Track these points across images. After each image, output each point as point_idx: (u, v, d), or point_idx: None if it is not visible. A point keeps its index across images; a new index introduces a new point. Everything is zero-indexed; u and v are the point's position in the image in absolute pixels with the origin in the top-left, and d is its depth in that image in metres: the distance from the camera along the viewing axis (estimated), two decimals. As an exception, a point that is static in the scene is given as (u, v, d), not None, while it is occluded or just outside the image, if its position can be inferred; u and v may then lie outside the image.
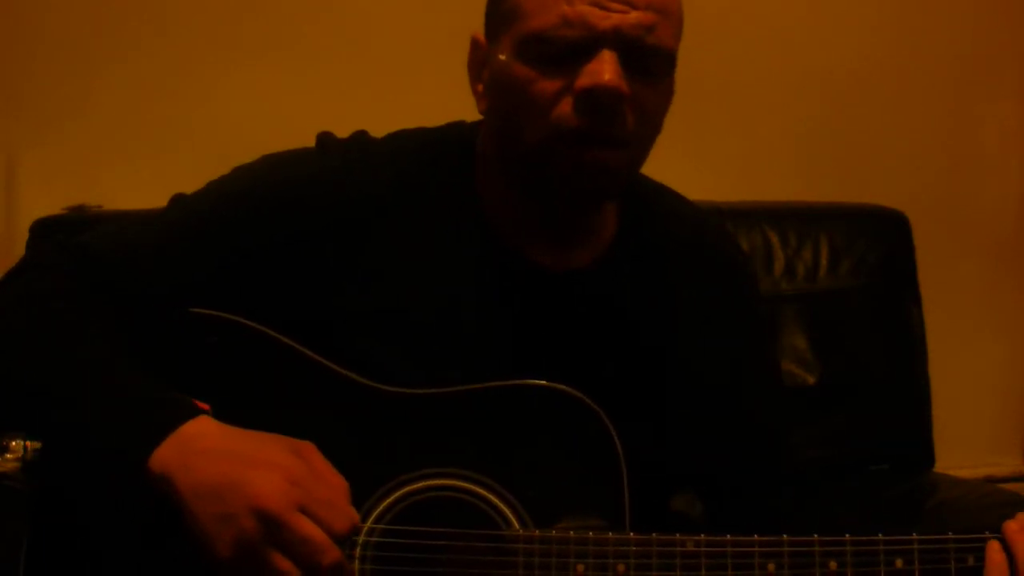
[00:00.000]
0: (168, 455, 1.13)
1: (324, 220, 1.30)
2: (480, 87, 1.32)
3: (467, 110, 1.42)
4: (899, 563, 1.25)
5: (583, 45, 1.19)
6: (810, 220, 2.34)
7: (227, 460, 1.13)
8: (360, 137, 1.37)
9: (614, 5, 1.18)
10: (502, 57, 1.24)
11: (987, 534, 1.27)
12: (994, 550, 1.25)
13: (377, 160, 1.34)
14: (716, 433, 1.40)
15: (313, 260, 1.30)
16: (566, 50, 1.19)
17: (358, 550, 1.22)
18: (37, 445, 1.96)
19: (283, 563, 1.11)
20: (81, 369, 1.20)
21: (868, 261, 2.31)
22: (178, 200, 1.36)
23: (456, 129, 1.39)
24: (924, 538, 1.26)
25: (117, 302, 1.27)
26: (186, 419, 1.15)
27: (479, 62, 1.31)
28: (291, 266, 1.29)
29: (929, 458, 2.29)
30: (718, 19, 2.50)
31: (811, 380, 2.25)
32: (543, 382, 1.26)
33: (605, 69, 1.18)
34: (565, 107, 1.20)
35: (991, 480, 2.69)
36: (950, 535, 1.26)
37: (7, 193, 2.32)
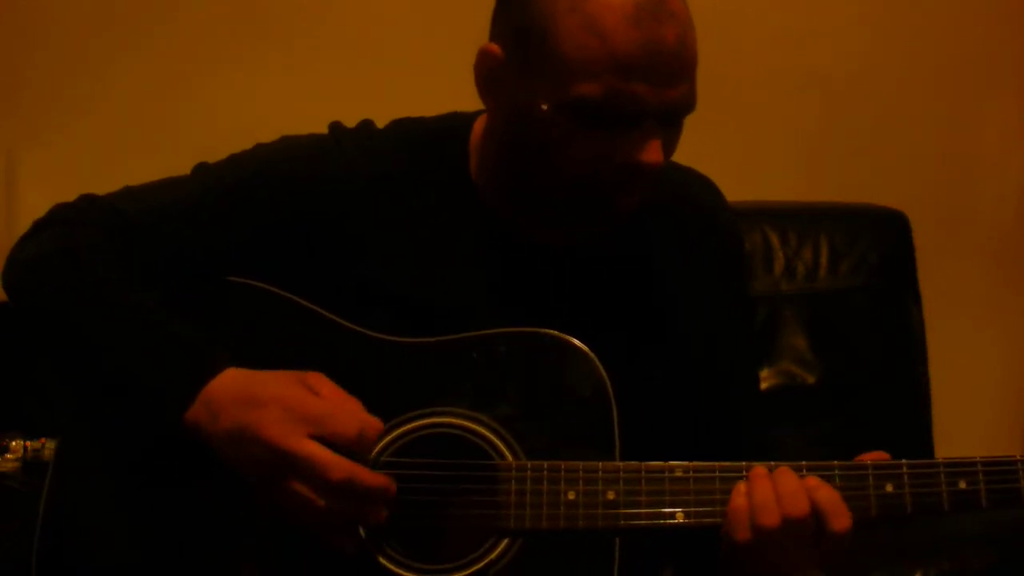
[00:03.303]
0: (197, 414, 1.25)
1: (334, 199, 1.39)
2: (493, 103, 1.33)
3: (457, 104, 1.47)
4: (889, 486, 1.31)
5: (631, 118, 1.23)
6: (810, 220, 2.35)
7: (242, 407, 1.24)
8: (366, 126, 1.46)
9: (661, 80, 1.22)
10: (544, 107, 1.25)
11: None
12: (740, 493, 1.23)
13: (382, 147, 1.42)
14: (693, 376, 1.44)
15: (322, 235, 1.38)
16: (613, 120, 1.23)
17: None
18: (37, 445, 1.97)
19: (300, 487, 1.21)
20: (113, 322, 1.31)
21: (868, 261, 2.31)
22: (202, 168, 1.44)
23: (451, 120, 1.46)
24: (913, 463, 1.32)
25: (143, 258, 1.37)
26: (211, 376, 1.26)
27: (495, 78, 1.31)
28: (302, 239, 1.38)
29: (929, 458, 2.28)
30: (718, 20, 2.49)
31: (811, 380, 2.25)
32: (540, 329, 1.32)
33: (653, 148, 1.23)
34: (605, 165, 1.25)
35: (991, 480, 2.68)
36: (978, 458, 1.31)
37: (7, 193, 2.33)
